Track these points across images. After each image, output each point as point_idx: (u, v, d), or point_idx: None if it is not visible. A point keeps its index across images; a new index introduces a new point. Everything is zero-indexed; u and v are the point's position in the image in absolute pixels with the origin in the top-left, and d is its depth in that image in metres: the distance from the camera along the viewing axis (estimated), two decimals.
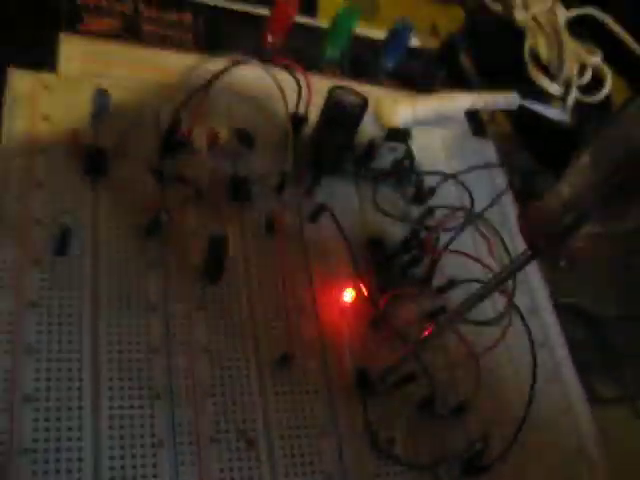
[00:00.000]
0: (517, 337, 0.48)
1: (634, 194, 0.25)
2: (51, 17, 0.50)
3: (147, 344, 0.39)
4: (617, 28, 0.69)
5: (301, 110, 0.51)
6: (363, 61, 0.62)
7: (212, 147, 0.49)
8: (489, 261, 0.52)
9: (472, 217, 0.53)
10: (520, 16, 0.67)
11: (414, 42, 0.67)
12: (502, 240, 0.54)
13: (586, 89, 0.67)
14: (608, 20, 0.70)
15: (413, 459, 0.43)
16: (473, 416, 0.45)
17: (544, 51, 0.66)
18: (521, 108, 0.64)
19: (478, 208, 0.54)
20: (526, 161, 0.67)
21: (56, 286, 0.39)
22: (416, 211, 0.53)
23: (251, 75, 0.51)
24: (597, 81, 0.67)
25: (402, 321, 0.47)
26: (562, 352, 0.52)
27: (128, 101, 0.48)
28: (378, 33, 0.64)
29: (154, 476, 0.36)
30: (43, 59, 0.47)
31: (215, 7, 0.59)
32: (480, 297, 0.36)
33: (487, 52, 0.70)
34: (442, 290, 0.50)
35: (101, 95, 0.46)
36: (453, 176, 0.55)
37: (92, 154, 0.44)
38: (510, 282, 0.50)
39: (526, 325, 0.47)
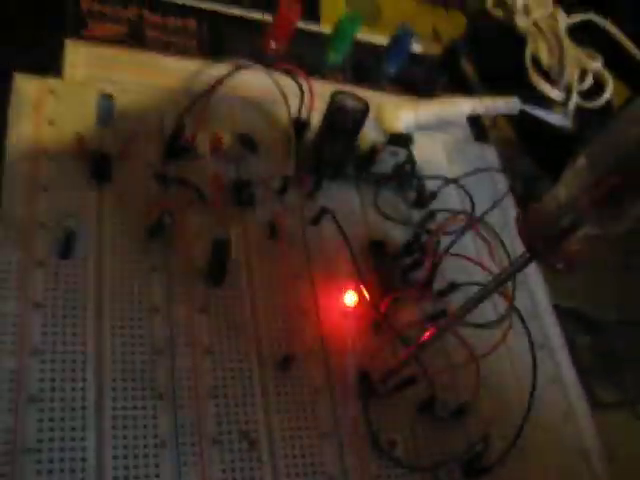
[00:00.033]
0: (517, 339, 0.48)
1: (630, 195, 0.26)
2: (56, 23, 0.51)
3: (150, 345, 0.40)
4: (618, 34, 0.70)
5: (303, 115, 0.52)
6: (365, 67, 0.63)
7: (215, 152, 0.49)
8: (490, 264, 0.52)
9: (473, 221, 0.53)
10: (521, 22, 0.68)
11: (416, 48, 0.67)
12: (503, 244, 0.55)
13: (587, 94, 0.68)
14: (609, 26, 0.70)
15: (414, 461, 0.43)
16: (474, 418, 0.46)
17: (545, 57, 0.66)
18: (523, 114, 0.64)
19: (479, 212, 0.54)
20: (528, 166, 0.67)
21: (60, 288, 0.39)
22: (417, 215, 0.54)
23: (254, 80, 0.51)
24: (598, 86, 0.68)
25: (403, 324, 0.47)
26: (562, 354, 0.53)
27: (132, 106, 0.49)
28: (380, 39, 0.65)
29: (156, 476, 0.36)
30: (48, 64, 0.48)
31: (219, 13, 0.59)
32: (480, 299, 0.37)
33: (489, 58, 0.71)
34: (443, 293, 0.50)
35: (106, 100, 0.46)
36: (454, 181, 0.56)
37: (96, 158, 0.44)
38: (510, 284, 0.50)
39: (526, 327, 0.47)
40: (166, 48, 0.55)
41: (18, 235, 0.40)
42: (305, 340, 0.44)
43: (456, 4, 0.78)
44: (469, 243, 0.54)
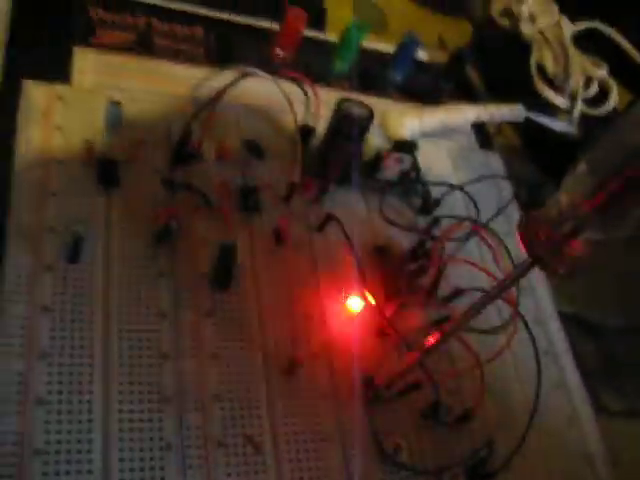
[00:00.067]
0: (522, 345, 0.48)
1: (630, 200, 0.26)
2: (65, 31, 0.51)
3: (157, 349, 0.40)
4: (623, 41, 0.70)
5: (309, 122, 0.52)
6: (371, 74, 0.63)
7: (222, 158, 0.50)
8: (494, 270, 0.52)
9: (477, 227, 0.53)
10: (527, 30, 0.68)
11: (422, 56, 0.68)
12: (507, 250, 0.55)
13: (592, 102, 0.68)
14: (614, 34, 0.70)
15: (418, 466, 0.43)
16: (478, 424, 0.46)
17: (550, 64, 0.67)
18: (528, 121, 0.65)
19: (484, 219, 0.55)
20: (532, 173, 0.67)
21: (69, 292, 0.40)
22: (422, 221, 0.54)
23: (261, 88, 0.52)
24: (603, 94, 0.68)
25: (408, 329, 0.47)
26: (567, 360, 0.53)
27: (140, 113, 0.49)
28: (386, 47, 0.65)
29: (162, 479, 0.36)
30: (57, 71, 0.49)
31: (226, 22, 0.60)
32: (483, 305, 0.37)
33: (494, 66, 0.71)
34: (448, 299, 0.50)
35: (114, 107, 0.47)
36: (459, 187, 0.56)
37: (104, 164, 0.45)
38: (515, 290, 0.50)
39: (530, 333, 0.47)
40: (174, 56, 0.55)
41: (27, 240, 0.40)
42: (310, 345, 0.44)
43: (462, 12, 0.78)
44: (474, 249, 0.54)
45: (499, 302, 0.48)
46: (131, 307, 0.41)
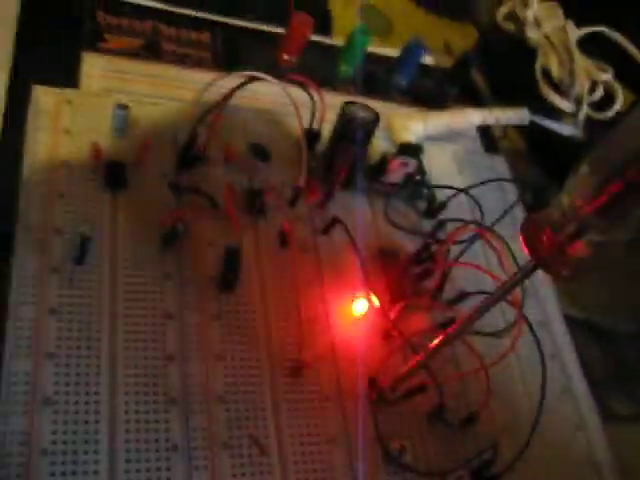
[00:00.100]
0: (527, 348, 0.48)
1: (632, 202, 0.26)
2: (73, 36, 0.52)
3: (163, 351, 0.40)
4: (628, 45, 0.70)
5: (315, 126, 0.53)
6: (376, 78, 0.63)
7: (228, 161, 0.50)
8: (499, 273, 0.52)
9: (482, 230, 0.53)
10: (532, 34, 0.68)
11: (427, 60, 0.68)
12: (512, 253, 0.55)
13: (597, 106, 0.68)
14: (619, 38, 0.70)
15: (423, 468, 0.43)
16: (483, 426, 0.46)
17: (556, 69, 0.67)
18: (533, 124, 0.65)
19: (489, 222, 0.55)
20: (538, 177, 0.67)
21: (75, 293, 0.40)
22: (427, 224, 0.54)
23: (266, 92, 0.52)
24: (608, 98, 0.68)
25: (413, 332, 0.47)
26: (573, 364, 0.53)
27: (147, 116, 0.50)
28: (391, 51, 0.65)
29: (168, 479, 0.37)
30: (65, 76, 0.49)
31: (232, 27, 0.60)
32: (487, 307, 0.37)
33: (499, 70, 0.71)
34: (453, 302, 0.50)
35: (121, 110, 0.47)
36: (465, 191, 0.56)
37: (112, 167, 0.45)
38: (520, 293, 0.50)
39: (535, 336, 0.47)
40: (181, 60, 0.56)
41: (34, 241, 0.41)
42: (316, 347, 0.44)
43: (467, 17, 0.78)
44: (479, 252, 0.54)
45: (504, 305, 0.48)
46: (138, 309, 0.41)
